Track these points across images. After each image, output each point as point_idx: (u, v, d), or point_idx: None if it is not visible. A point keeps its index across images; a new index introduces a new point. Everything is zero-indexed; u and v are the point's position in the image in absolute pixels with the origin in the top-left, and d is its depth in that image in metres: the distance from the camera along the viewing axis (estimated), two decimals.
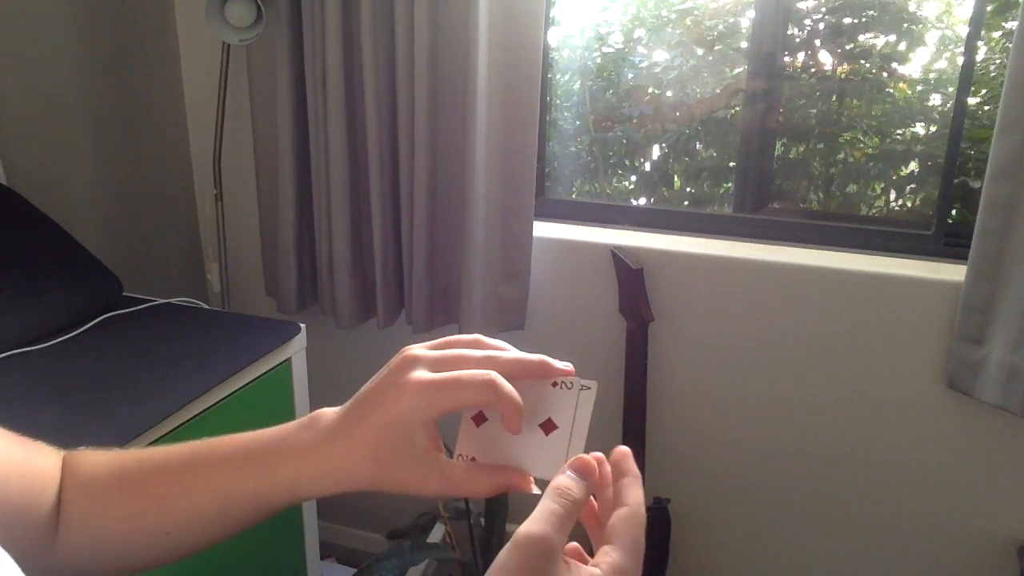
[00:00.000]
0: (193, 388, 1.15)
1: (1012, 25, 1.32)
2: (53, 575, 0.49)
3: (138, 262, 1.85)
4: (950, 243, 1.52)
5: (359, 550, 2.10)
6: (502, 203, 1.63)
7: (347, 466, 0.44)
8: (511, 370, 0.45)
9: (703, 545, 1.78)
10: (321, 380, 1.58)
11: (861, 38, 1.80)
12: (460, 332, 1.66)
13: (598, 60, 2.06)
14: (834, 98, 1.84)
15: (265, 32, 1.63)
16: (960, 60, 1.48)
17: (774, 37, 1.77)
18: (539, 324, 1.73)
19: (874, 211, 1.94)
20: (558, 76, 2.00)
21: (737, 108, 1.88)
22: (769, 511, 1.70)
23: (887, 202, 1.93)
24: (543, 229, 1.70)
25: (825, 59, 1.83)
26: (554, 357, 0.46)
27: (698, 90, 1.96)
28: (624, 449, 0.45)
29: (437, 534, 1.74)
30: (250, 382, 1.28)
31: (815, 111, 1.86)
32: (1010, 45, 1.29)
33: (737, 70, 1.91)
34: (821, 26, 1.81)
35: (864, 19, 1.79)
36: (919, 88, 1.81)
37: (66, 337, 1.28)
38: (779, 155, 1.90)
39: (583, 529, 0.45)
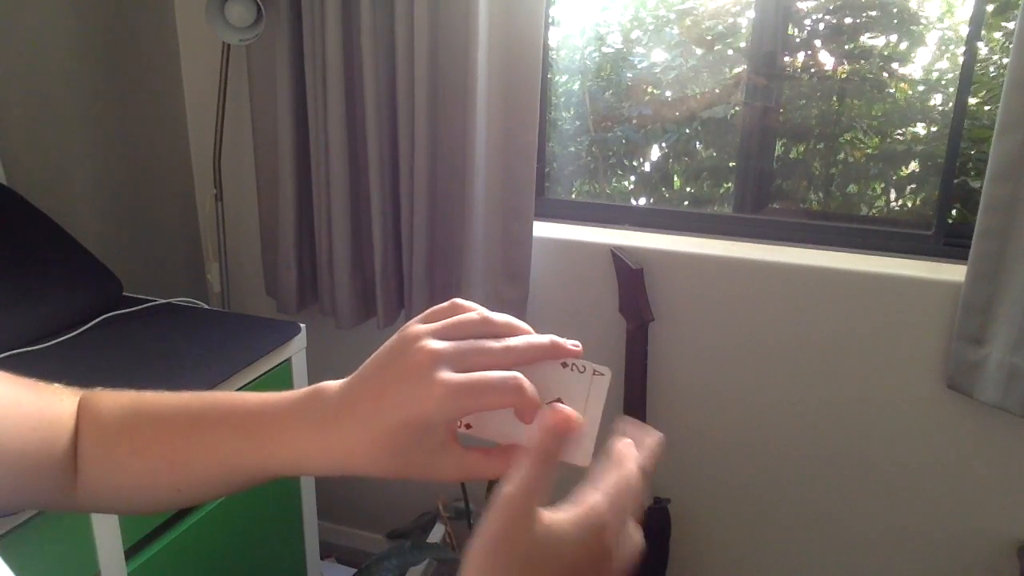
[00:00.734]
0: (193, 388, 1.15)
1: (1013, 25, 1.32)
2: (74, 509, 0.51)
3: (138, 262, 1.84)
4: (950, 243, 1.52)
5: (359, 550, 2.10)
6: (502, 203, 1.63)
7: (359, 455, 0.44)
8: (527, 358, 0.45)
9: (703, 545, 1.78)
10: (321, 380, 1.57)
11: (862, 38, 1.80)
12: None
13: (598, 60, 2.07)
14: (834, 98, 1.84)
15: (265, 32, 1.62)
16: (961, 60, 1.48)
17: (774, 37, 1.77)
18: (539, 324, 1.71)
19: (874, 211, 1.94)
20: (558, 76, 2.00)
21: (737, 108, 1.88)
22: (769, 511, 1.70)
23: (887, 202, 1.93)
24: (543, 229, 1.70)
25: (825, 59, 1.83)
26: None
27: (698, 90, 1.96)
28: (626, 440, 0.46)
29: (437, 534, 1.74)
30: (250, 382, 1.28)
31: (815, 111, 1.86)
32: (1011, 45, 1.29)
33: (737, 70, 1.91)
34: (821, 26, 1.81)
35: (865, 19, 1.79)
36: (920, 88, 1.81)
37: (66, 337, 1.28)
38: (779, 155, 1.90)
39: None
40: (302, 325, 1.42)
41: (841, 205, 1.93)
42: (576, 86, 2.09)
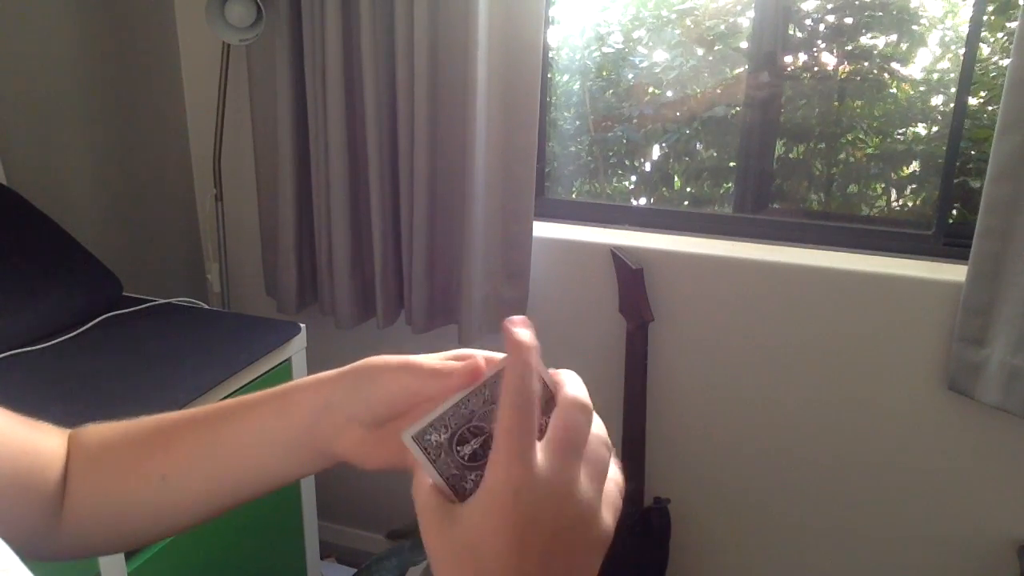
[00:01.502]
0: (193, 388, 1.15)
1: (1014, 25, 1.32)
2: (54, 554, 0.50)
3: (138, 262, 1.84)
4: (950, 243, 1.52)
5: (359, 550, 2.10)
6: (502, 203, 1.63)
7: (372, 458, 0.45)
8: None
9: (703, 545, 1.78)
10: None
11: (862, 38, 1.79)
12: (460, 332, 1.66)
13: (598, 60, 2.06)
14: (835, 98, 1.84)
15: (265, 32, 1.62)
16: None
17: (774, 37, 1.77)
18: (539, 324, 1.71)
19: (874, 211, 1.94)
20: (558, 76, 2.00)
21: (737, 108, 1.88)
22: (769, 511, 1.70)
23: (888, 202, 1.93)
24: (543, 229, 1.70)
25: (826, 59, 1.83)
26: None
27: (698, 90, 1.96)
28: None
29: None
30: (250, 382, 1.28)
31: (816, 111, 1.86)
32: (1011, 45, 1.28)
33: (737, 70, 1.91)
34: (822, 26, 1.81)
35: (865, 19, 1.79)
36: (921, 88, 1.81)
37: (66, 337, 1.28)
38: (780, 155, 1.90)
39: None
40: (302, 325, 1.42)
41: (841, 205, 1.93)
42: (576, 86, 2.09)
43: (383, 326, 1.74)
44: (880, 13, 1.76)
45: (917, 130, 1.84)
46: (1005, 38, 1.63)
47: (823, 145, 1.89)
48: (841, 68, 1.82)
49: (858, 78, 1.82)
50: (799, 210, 1.92)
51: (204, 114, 1.91)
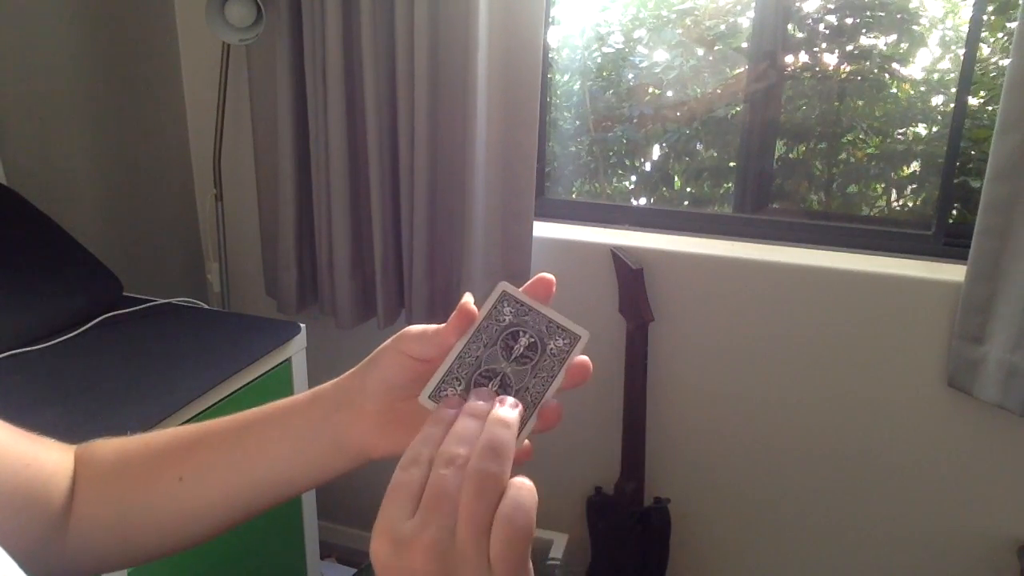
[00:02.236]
0: (193, 388, 1.15)
1: (1014, 25, 1.32)
2: (58, 570, 0.49)
3: (138, 262, 1.84)
4: (950, 243, 1.52)
5: (359, 550, 2.10)
6: (502, 203, 1.63)
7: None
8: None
9: (703, 545, 1.78)
10: (321, 380, 1.56)
11: (862, 38, 1.79)
12: None
13: (598, 60, 2.06)
14: (835, 98, 1.84)
15: (265, 32, 1.62)
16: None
17: (774, 37, 1.77)
18: None
19: (875, 211, 1.94)
20: (558, 76, 2.00)
21: (737, 108, 1.88)
22: (769, 510, 1.70)
23: (888, 202, 1.93)
24: (543, 229, 1.70)
25: (826, 59, 1.83)
26: None
27: (698, 90, 1.96)
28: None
29: None
30: (250, 382, 1.28)
31: (816, 111, 1.86)
32: (1011, 45, 1.28)
33: (737, 70, 1.91)
34: (822, 26, 1.81)
35: (865, 19, 1.79)
36: (921, 88, 1.81)
37: (66, 337, 1.28)
38: (780, 155, 1.90)
39: None
40: (302, 325, 1.42)
41: (841, 205, 1.93)
42: (576, 86, 2.09)
43: (383, 326, 1.74)
44: (880, 13, 1.76)
45: (917, 130, 1.84)
46: (1005, 38, 1.63)
47: (823, 145, 1.89)
48: (841, 68, 1.82)
49: (858, 78, 1.82)
50: (799, 210, 1.92)
51: (204, 114, 1.91)
